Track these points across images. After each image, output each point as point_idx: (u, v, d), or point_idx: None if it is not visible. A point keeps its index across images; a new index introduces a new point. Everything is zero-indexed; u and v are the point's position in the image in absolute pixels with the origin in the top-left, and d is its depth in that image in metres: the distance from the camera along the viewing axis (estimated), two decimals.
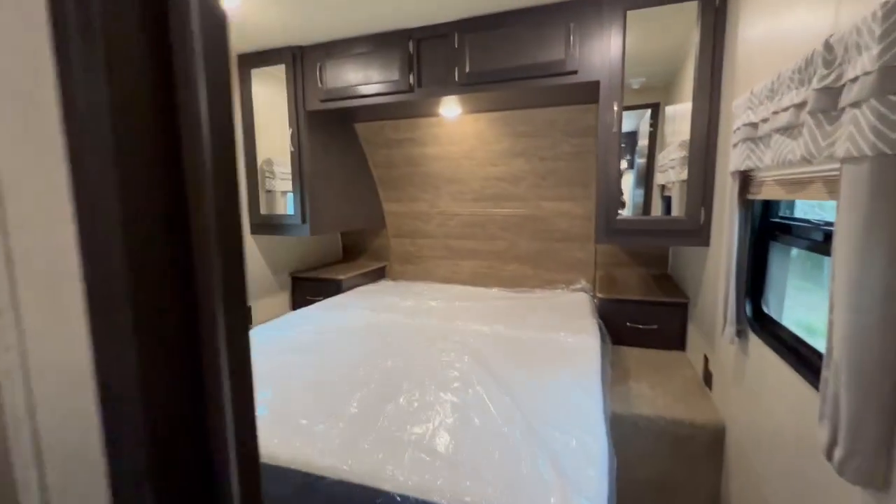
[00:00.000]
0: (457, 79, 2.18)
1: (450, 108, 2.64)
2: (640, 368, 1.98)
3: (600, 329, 2.14)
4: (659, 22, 1.95)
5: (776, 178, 1.14)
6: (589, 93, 2.11)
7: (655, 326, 2.19)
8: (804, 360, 1.06)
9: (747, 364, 1.37)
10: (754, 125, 1.17)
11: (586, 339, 1.93)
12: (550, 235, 2.96)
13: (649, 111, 2.43)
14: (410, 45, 2.25)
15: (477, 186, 3.05)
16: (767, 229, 1.37)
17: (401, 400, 1.38)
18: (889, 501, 0.70)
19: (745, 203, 1.35)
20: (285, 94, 2.55)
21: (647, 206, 2.51)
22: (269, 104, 2.62)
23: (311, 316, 2.34)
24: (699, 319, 1.96)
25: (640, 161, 2.55)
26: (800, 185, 1.03)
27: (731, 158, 1.36)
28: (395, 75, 2.29)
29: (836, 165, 0.80)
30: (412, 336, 2.00)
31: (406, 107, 2.61)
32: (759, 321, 1.36)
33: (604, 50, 1.94)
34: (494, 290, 2.94)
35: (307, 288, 3.01)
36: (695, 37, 1.76)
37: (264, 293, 2.89)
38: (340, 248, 3.66)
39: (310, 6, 2.00)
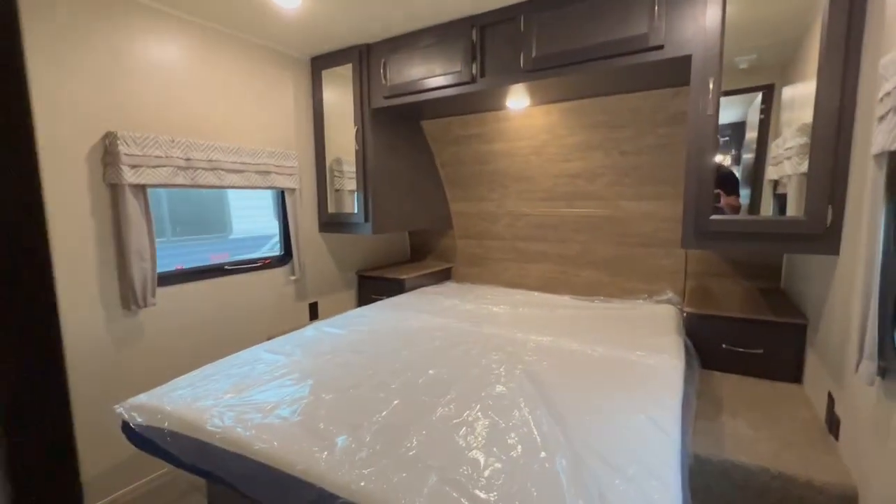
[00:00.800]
0: (522, 65, 1.99)
1: (516, 98, 2.45)
2: (737, 401, 1.62)
3: (687, 349, 1.81)
4: None
5: None
6: (679, 72, 1.80)
7: (761, 351, 1.79)
8: None
9: (895, 414, 1.01)
10: None
11: (667, 360, 1.63)
12: (632, 239, 2.62)
13: (760, 95, 2.01)
14: (473, 33, 2.11)
15: (548, 184, 2.81)
16: None
17: (435, 416, 1.24)
18: None
19: None
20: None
21: (753, 205, 2.09)
22: (339, 103, 2.66)
23: (368, 315, 2.30)
24: (822, 347, 1.55)
25: (748, 157, 2.14)
26: None
27: (876, 137, 1.02)
28: (458, 66, 2.17)
29: None
30: (464, 343, 1.85)
31: (472, 100, 2.47)
32: None
33: (697, 18, 1.63)
34: (565, 298, 2.68)
35: (371, 286, 3.02)
36: None
37: (330, 290, 2.94)
38: (408, 248, 3.64)
39: (376, 1, 1.95)
